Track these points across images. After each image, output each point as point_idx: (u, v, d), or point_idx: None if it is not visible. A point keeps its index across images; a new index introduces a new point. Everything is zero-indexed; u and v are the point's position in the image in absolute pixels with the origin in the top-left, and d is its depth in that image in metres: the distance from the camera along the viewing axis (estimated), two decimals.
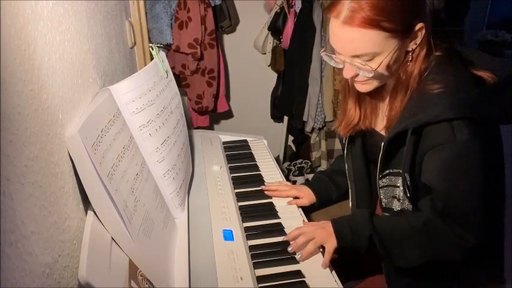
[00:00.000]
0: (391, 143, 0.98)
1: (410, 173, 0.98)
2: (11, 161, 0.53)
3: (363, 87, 1.01)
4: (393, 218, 1.07)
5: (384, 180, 1.06)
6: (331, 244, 1.03)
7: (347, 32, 0.90)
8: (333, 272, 0.99)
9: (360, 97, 1.10)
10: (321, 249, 1.05)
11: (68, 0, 0.81)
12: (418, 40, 0.94)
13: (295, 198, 1.28)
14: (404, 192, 1.00)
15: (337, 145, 2.60)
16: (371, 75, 0.94)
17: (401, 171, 0.99)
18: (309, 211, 1.30)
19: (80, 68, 0.85)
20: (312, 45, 2.34)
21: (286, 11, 2.39)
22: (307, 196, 1.28)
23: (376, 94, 1.09)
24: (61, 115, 0.72)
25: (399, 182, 1.02)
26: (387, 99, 1.06)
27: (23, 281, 0.54)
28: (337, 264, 1.03)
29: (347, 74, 0.97)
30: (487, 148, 0.91)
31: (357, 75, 0.97)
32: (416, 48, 0.95)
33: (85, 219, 0.77)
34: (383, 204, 1.09)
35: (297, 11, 2.38)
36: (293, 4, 2.39)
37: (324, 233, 1.04)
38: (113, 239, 0.77)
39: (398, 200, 1.04)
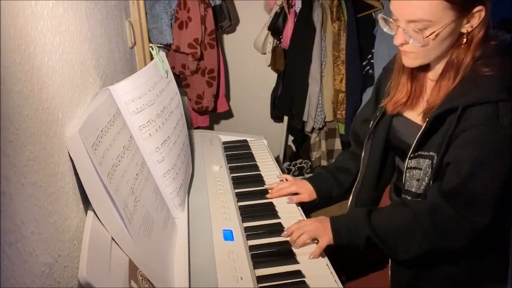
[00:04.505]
0: (436, 120, 1.00)
1: (441, 155, 0.99)
2: (11, 161, 0.53)
3: (408, 61, 1.02)
4: (394, 210, 1.08)
5: (412, 161, 1.07)
6: (326, 239, 1.04)
7: None
8: (333, 272, 0.99)
9: (412, 76, 1.11)
10: (316, 241, 1.06)
11: (68, 0, 0.81)
12: (475, 23, 0.95)
13: (295, 194, 1.28)
14: (430, 174, 1.02)
15: (337, 145, 2.60)
16: (421, 44, 0.95)
17: (432, 153, 1.01)
18: (308, 210, 1.30)
19: (80, 68, 0.85)
20: (312, 45, 2.34)
21: (286, 11, 2.39)
22: (308, 192, 1.28)
23: (425, 76, 1.11)
24: (61, 115, 0.72)
25: (424, 165, 1.04)
26: (433, 84, 1.07)
27: (23, 281, 0.54)
28: (336, 262, 1.04)
29: (397, 40, 0.98)
30: None
31: (406, 43, 0.97)
32: (471, 32, 0.96)
33: (85, 219, 0.77)
34: (406, 186, 1.10)
35: (297, 11, 2.38)
36: (293, 4, 2.39)
37: (321, 227, 1.06)
38: (113, 239, 0.77)
39: (418, 180, 1.06)
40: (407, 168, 1.08)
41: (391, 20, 0.99)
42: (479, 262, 1.07)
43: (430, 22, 0.92)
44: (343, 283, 0.97)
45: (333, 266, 1.02)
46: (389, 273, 1.14)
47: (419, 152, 1.05)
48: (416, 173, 1.06)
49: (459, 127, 0.96)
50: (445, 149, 0.99)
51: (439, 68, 1.04)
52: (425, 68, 1.09)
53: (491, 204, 0.95)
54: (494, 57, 0.97)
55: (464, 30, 0.96)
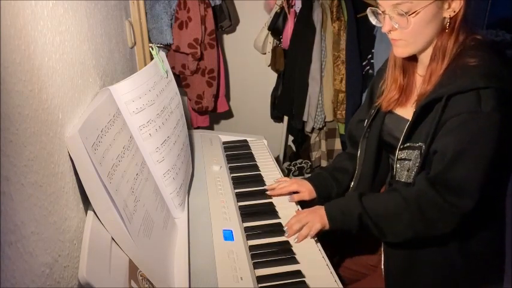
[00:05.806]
0: (422, 110, 1.03)
1: (428, 144, 1.02)
2: (11, 161, 0.53)
3: (399, 50, 1.06)
4: (384, 194, 1.13)
5: (402, 152, 1.10)
6: (321, 225, 1.10)
7: None
8: (333, 272, 1.00)
9: (403, 73, 1.15)
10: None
11: (68, 0, 0.81)
12: (456, 7, 0.99)
13: (296, 192, 1.29)
14: (419, 164, 1.05)
15: (337, 145, 2.60)
16: (405, 27, 1.00)
17: (420, 143, 1.05)
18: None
19: (80, 68, 0.85)
20: (312, 45, 2.34)
21: (286, 11, 2.39)
22: (308, 191, 1.29)
23: (414, 72, 1.15)
24: (61, 115, 0.72)
25: (414, 155, 1.07)
26: (422, 79, 1.10)
27: (23, 281, 0.54)
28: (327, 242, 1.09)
29: (385, 27, 1.04)
30: (506, 123, 0.95)
31: (394, 29, 1.02)
32: (453, 17, 1.00)
33: (85, 219, 0.77)
34: (396, 177, 1.13)
35: (297, 11, 2.38)
36: (293, 4, 2.39)
37: (317, 216, 1.11)
38: (113, 239, 0.77)
39: (408, 170, 1.10)
40: (397, 159, 1.11)
41: (379, 11, 1.04)
42: (474, 257, 1.08)
43: (411, 3, 0.96)
44: (343, 283, 0.97)
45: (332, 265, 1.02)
46: (383, 269, 1.15)
47: (408, 144, 1.09)
48: (406, 164, 1.10)
49: (444, 116, 0.99)
50: (431, 138, 1.01)
51: (426, 60, 1.07)
52: (415, 64, 1.13)
53: (475, 190, 0.97)
54: (479, 50, 1.01)
55: (446, 14, 1.00)
